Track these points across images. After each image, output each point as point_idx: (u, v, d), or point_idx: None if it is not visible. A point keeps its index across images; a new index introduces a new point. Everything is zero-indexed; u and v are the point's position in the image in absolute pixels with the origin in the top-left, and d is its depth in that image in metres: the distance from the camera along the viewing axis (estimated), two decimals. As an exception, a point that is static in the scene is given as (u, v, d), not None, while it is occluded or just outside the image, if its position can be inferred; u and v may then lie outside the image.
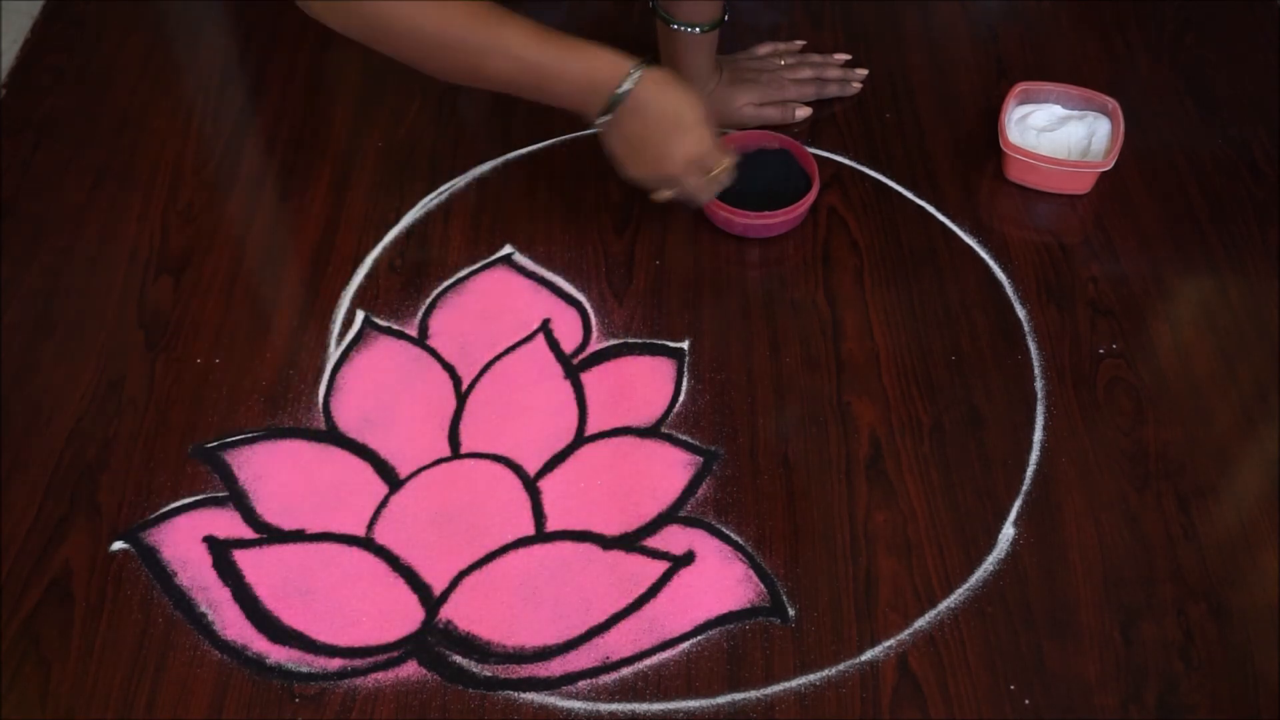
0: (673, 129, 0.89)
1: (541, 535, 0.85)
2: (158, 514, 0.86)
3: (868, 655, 0.80)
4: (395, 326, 0.97)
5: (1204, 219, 1.03)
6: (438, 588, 0.83)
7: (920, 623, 0.81)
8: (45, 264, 1.00)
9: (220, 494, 0.87)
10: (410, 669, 0.79)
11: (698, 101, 0.90)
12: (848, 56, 1.13)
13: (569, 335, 0.96)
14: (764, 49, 1.13)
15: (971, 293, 0.98)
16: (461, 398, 0.92)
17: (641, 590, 0.83)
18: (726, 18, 1.04)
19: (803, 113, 1.10)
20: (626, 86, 0.86)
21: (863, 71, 1.12)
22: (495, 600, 0.82)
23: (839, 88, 1.11)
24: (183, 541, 0.85)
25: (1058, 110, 1.08)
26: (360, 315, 0.97)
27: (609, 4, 1.21)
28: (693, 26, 1.02)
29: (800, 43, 1.14)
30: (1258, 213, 1.04)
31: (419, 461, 0.89)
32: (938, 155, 1.08)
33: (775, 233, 1.01)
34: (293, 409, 0.91)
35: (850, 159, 1.08)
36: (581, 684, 0.79)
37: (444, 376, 0.94)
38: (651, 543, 0.85)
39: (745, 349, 0.95)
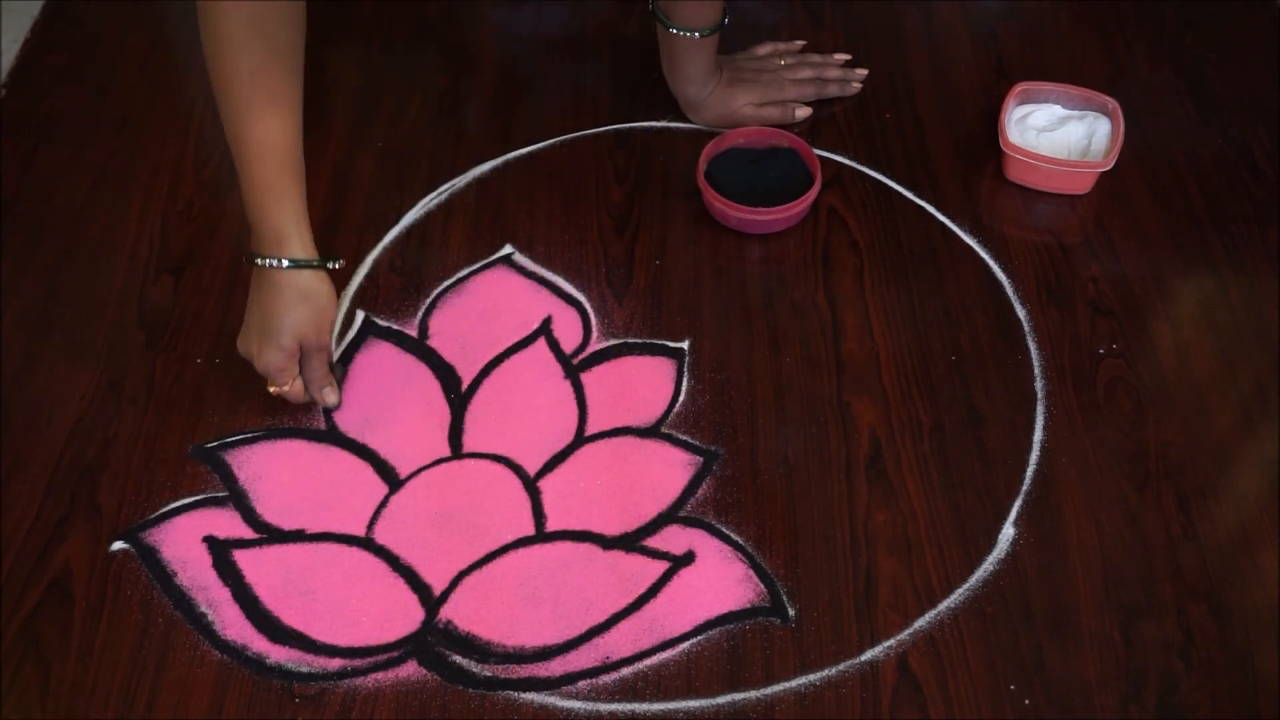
0: (264, 323, 0.86)
1: (541, 535, 0.85)
2: (158, 514, 0.86)
3: (868, 655, 0.80)
4: (395, 326, 0.97)
5: (1204, 219, 1.03)
6: (438, 588, 0.83)
7: (920, 623, 0.81)
8: (45, 264, 1.00)
9: (220, 494, 0.87)
10: (410, 669, 0.79)
11: (302, 330, 0.86)
12: (848, 57, 1.13)
13: (569, 335, 0.96)
14: (764, 49, 1.13)
15: (971, 293, 0.98)
16: (462, 398, 0.92)
17: (641, 590, 0.83)
18: (726, 20, 1.04)
19: (802, 113, 1.10)
20: (269, 263, 0.84)
21: (862, 71, 1.12)
22: (495, 600, 0.82)
23: (839, 88, 1.11)
24: (183, 541, 0.85)
25: (1058, 110, 1.08)
26: (360, 315, 0.97)
27: (609, 4, 1.21)
28: (692, 31, 1.02)
29: (800, 43, 1.14)
30: (1258, 213, 1.04)
31: (419, 461, 0.89)
32: (938, 155, 1.08)
33: (774, 229, 1.01)
34: (292, 409, 0.91)
35: (850, 159, 1.08)
36: (581, 684, 0.79)
37: (444, 377, 0.94)
38: (651, 543, 0.85)
39: (745, 349, 0.95)
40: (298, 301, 0.85)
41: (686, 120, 1.10)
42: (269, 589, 0.83)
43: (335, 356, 0.95)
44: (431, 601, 0.82)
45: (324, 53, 1.17)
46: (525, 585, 0.83)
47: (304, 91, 1.15)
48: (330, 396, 0.90)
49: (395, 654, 0.80)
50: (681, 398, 0.92)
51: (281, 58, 0.84)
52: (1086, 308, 0.97)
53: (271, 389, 0.88)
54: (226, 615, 0.81)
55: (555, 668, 0.79)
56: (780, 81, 1.10)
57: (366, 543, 0.85)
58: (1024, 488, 0.87)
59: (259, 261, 0.84)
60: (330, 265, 0.87)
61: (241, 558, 0.84)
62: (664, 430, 0.90)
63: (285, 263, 0.84)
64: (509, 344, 0.95)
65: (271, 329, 0.85)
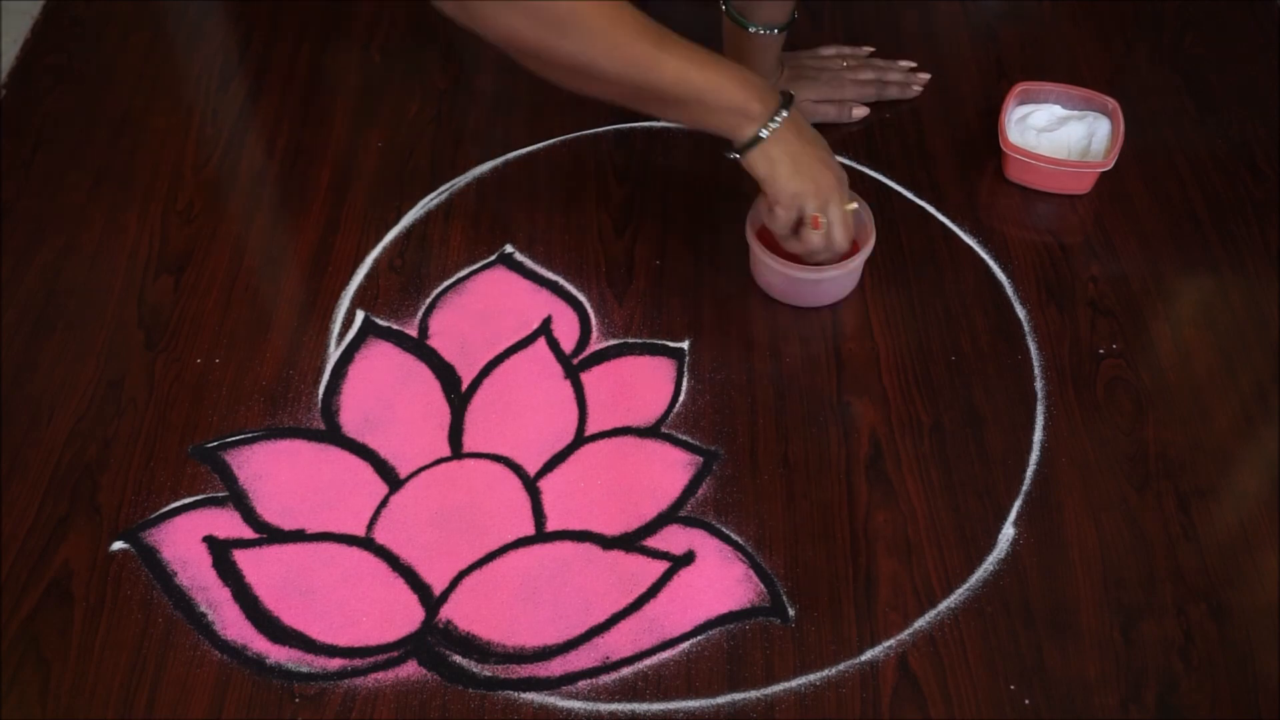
0: (824, 147, 0.91)
1: (541, 535, 0.85)
2: (158, 514, 0.86)
3: (868, 655, 0.80)
4: (395, 326, 0.97)
5: (1204, 219, 1.03)
6: (438, 588, 0.83)
7: (920, 623, 0.81)
8: (45, 264, 1.00)
9: (220, 494, 0.87)
10: (410, 669, 0.79)
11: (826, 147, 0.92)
12: (913, 64, 1.13)
13: (569, 335, 0.96)
14: (829, 50, 1.13)
15: (971, 293, 0.98)
16: (462, 398, 0.92)
17: (641, 590, 0.83)
18: (795, 16, 1.04)
19: (859, 112, 1.10)
20: (782, 115, 0.88)
21: (925, 76, 1.13)
22: (495, 600, 0.82)
23: (899, 90, 1.12)
24: (183, 541, 0.85)
25: (1058, 110, 1.08)
26: (360, 315, 0.97)
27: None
28: (769, 28, 1.03)
29: (868, 49, 1.14)
30: (1258, 213, 1.04)
31: (419, 461, 0.89)
32: (938, 155, 1.08)
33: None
34: (293, 409, 0.91)
35: (850, 159, 1.08)
36: (581, 684, 0.79)
37: (444, 377, 0.94)
38: (651, 543, 0.85)
39: (745, 349, 0.95)
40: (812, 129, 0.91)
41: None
42: (269, 589, 0.83)
43: (336, 357, 0.95)
44: (431, 601, 0.82)
45: (324, 53, 1.17)
46: (525, 585, 0.83)
47: (304, 91, 1.15)
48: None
49: (395, 654, 0.80)
50: (681, 398, 0.92)
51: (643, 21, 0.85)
52: (1086, 308, 0.97)
53: (851, 206, 0.92)
54: (226, 615, 0.81)
55: (555, 668, 0.79)
56: (841, 81, 1.10)
57: (366, 543, 0.85)
58: (1024, 488, 0.87)
59: (780, 117, 0.87)
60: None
61: (241, 558, 0.84)
62: (664, 430, 0.90)
63: (788, 101, 0.88)
64: (509, 344, 0.95)
65: (829, 153, 0.91)
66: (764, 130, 0.87)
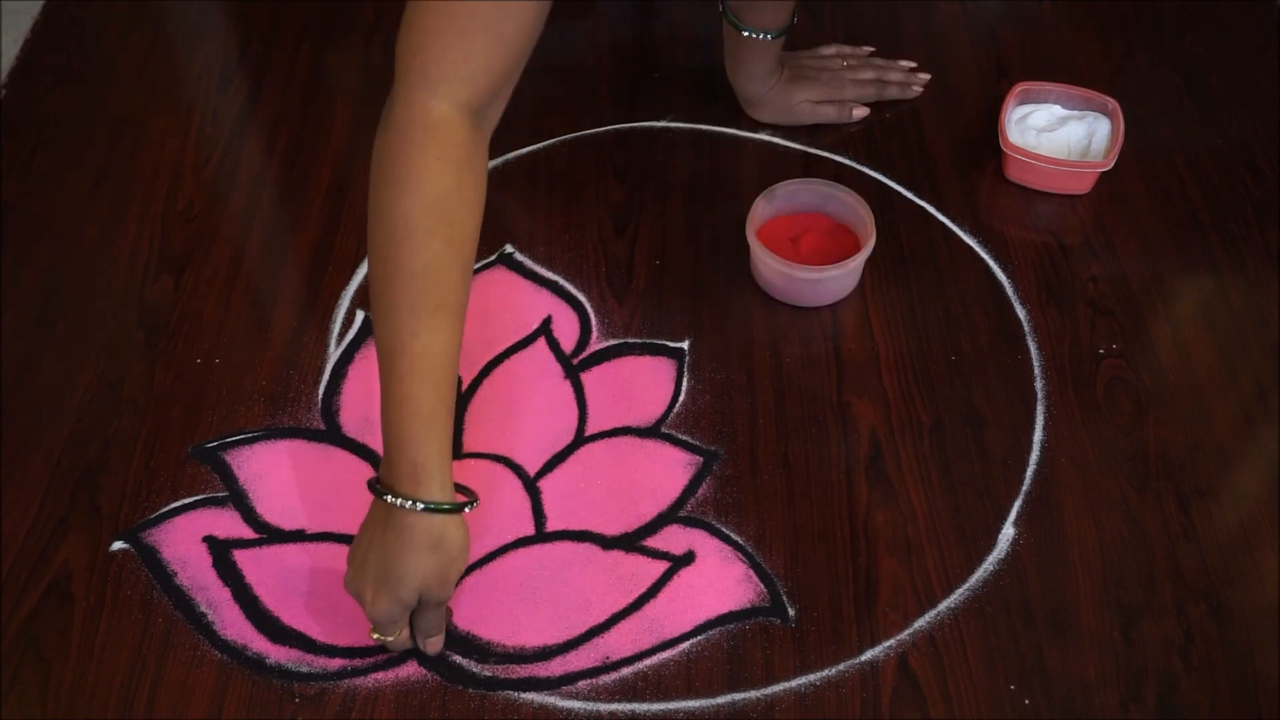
0: (384, 569, 0.73)
1: (541, 535, 0.85)
2: (158, 514, 0.86)
3: (868, 655, 0.80)
4: (395, 326, 0.96)
5: (1204, 219, 1.03)
6: (438, 588, 0.83)
7: (920, 623, 0.81)
8: (45, 264, 1.00)
9: (220, 494, 0.87)
10: (410, 669, 0.79)
11: (426, 581, 0.74)
12: (913, 64, 1.13)
13: (569, 335, 0.96)
14: (829, 49, 1.13)
15: (971, 293, 0.98)
16: (461, 398, 0.92)
17: (641, 590, 0.83)
18: (795, 21, 1.04)
19: (860, 112, 1.10)
20: (401, 503, 0.72)
21: (925, 76, 1.12)
22: (495, 600, 0.82)
23: (899, 90, 1.11)
24: (183, 541, 0.85)
25: (1058, 110, 1.08)
26: (360, 315, 0.97)
27: (610, 4, 1.21)
28: (764, 33, 1.02)
29: (868, 48, 1.14)
30: (1258, 213, 1.04)
31: (419, 461, 0.89)
32: (938, 155, 1.08)
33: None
34: (293, 409, 0.91)
35: (850, 159, 1.08)
36: (581, 684, 0.79)
37: (444, 376, 0.94)
38: (651, 543, 0.85)
39: (745, 349, 0.95)
40: (426, 549, 0.73)
41: (686, 120, 1.10)
42: (269, 589, 0.83)
43: (336, 357, 0.95)
44: (431, 601, 0.82)
45: (324, 53, 1.17)
46: (525, 585, 0.83)
47: (304, 91, 1.15)
48: (436, 646, 0.78)
49: (395, 654, 0.80)
50: (681, 398, 0.92)
51: (460, 250, 0.73)
52: (1086, 308, 0.97)
53: (374, 636, 0.77)
54: (226, 615, 0.81)
55: (555, 668, 0.79)
56: (841, 81, 1.10)
57: (366, 543, 0.85)
58: (1024, 488, 0.87)
59: (389, 499, 0.72)
60: (468, 508, 0.74)
61: (241, 558, 0.84)
62: (664, 430, 0.90)
63: (419, 505, 0.72)
64: (509, 344, 0.95)
65: (392, 576, 0.73)
66: (391, 497, 0.72)
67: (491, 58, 0.72)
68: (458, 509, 0.74)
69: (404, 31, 0.73)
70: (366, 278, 0.74)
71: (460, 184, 0.72)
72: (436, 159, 0.71)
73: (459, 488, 0.76)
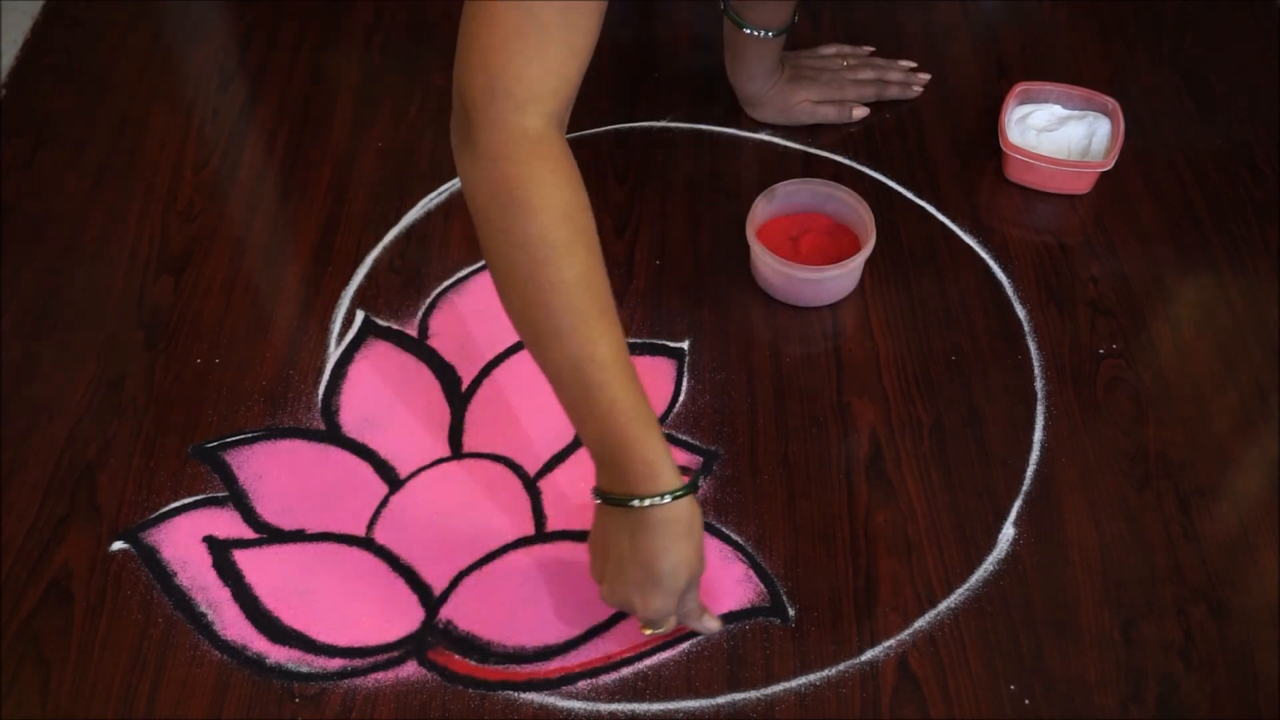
0: (650, 570, 0.73)
1: (541, 535, 0.85)
2: (158, 514, 0.86)
3: (868, 655, 0.80)
4: (395, 326, 0.96)
5: (1204, 219, 1.03)
6: (438, 588, 0.83)
7: (920, 623, 0.81)
8: (45, 263, 1.00)
9: (220, 494, 0.87)
10: (410, 669, 0.79)
11: (692, 566, 0.74)
12: (913, 64, 1.13)
13: (569, 335, 0.96)
14: (829, 49, 1.13)
15: (971, 293, 0.98)
16: (461, 398, 0.92)
17: (641, 590, 0.83)
18: (795, 20, 1.04)
19: (860, 112, 1.10)
20: (648, 503, 0.71)
21: (925, 76, 1.12)
22: (495, 600, 0.82)
23: (899, 90, 1.11)
24: (183, 541, 0.85)
25: (1058, 110, 1.08)
26: (360, 315, 0.97)
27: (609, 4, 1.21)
28: (764, 31, 1.02)
29: (868, 48, 1.14)
30: (1258, 213, 1.04)
31: (419, 461, 0.89)
32: (938, 155, 1.08)
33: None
34: (293, 409, 0.91)
35: (850, 159, 1.08)
36: (581, 684, 0.79)
37: (444, 377, 0.94)
38: (651, 543, 0.85)
39: (745, 349, 0.95)
40: (683, 537, 0.72)
41: (686, 120, 1.10)
42: (269, 589, 0.83)
43: (336, 357, 0.95)
44: (431, 601, 0.82)
45: (324, 53, 1.17)
46: (525, 585, 0.83)
47: (304, 91, 1.15)
48: (711, 623, 0.78)
49: (395, 654, 0.80)
50: (681, 398, 0.92)
51: (599, 255, 0.72)
52: (1086, 308, 0.97)
53: (646, 632, 0.77)
54: (226, 615, 0.81)
55: (555, 668, 0.79)
56: (841, 81, 1.10)
57: (366, 543, 0.85)
58: (1024, 488, 0.87)
59: (634, 504, 0.71)
60: (701, 479, 0.74)
61: (241, 558, 0.84)
62: (664, 430, 0.90)
63: (666, 498, 0.71)
64: (509, 344, 0.95)
65: (661, 574, 0.72)
66: (636, 502, 0.71)
67: (568, 68, 0.72)
68: (694, 488, 0.73)
69: (470, 55, 0.71)
70: (502, 302, 0.70)
71: (578, 191, 0.72)
72: (551, 173, 0.71)
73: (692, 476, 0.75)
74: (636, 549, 0.72)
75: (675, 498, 0.71)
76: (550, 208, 0.70)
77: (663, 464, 0.71)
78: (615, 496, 0.72)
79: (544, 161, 0.71)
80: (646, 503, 0.71)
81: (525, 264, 0.70)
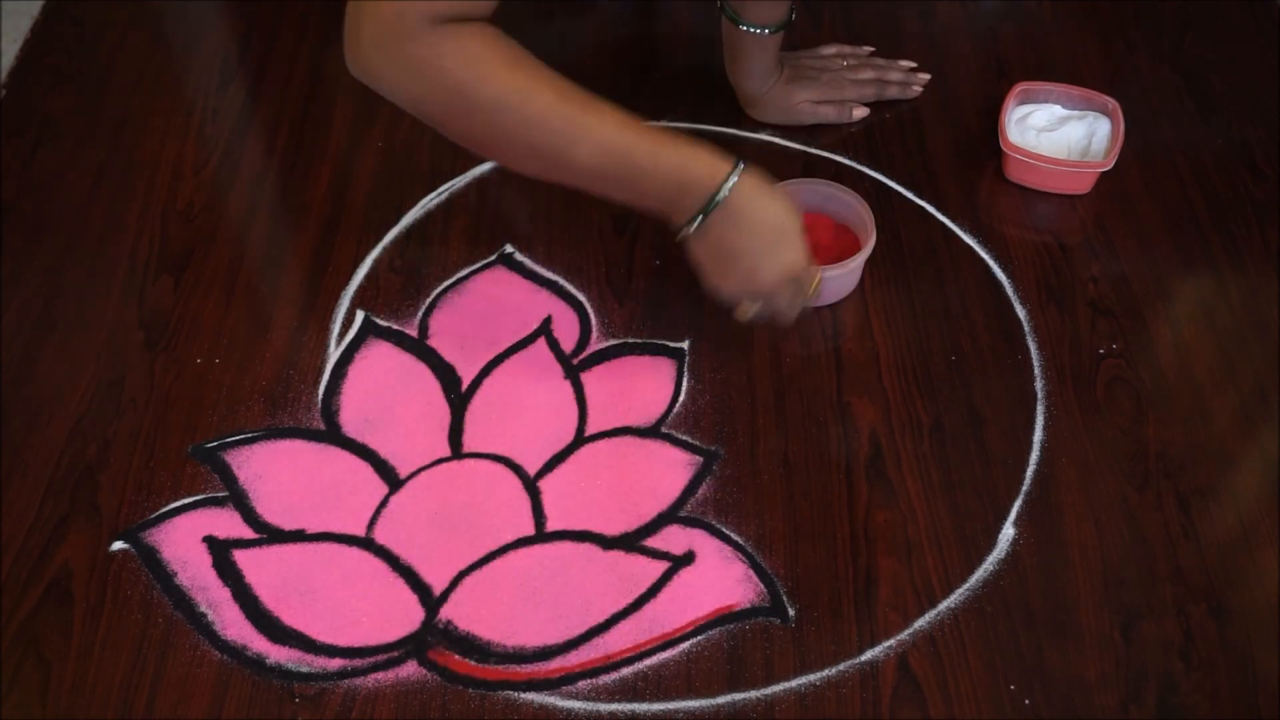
0: (771, 241, 0.80)
1: (541, 535, 0.85)
2: (158, 514, 0.86)
3: (868, 655, 0.80)
4: (395, 326, 0.97)
5: (1204, 219, 1.03)
6: (438, 588, 0.83)
7: (920, 623, 0.81)
8: (45, 264, 1.00)
9: (220, 494, 0.87)
10: (410, 669, 0.79)
11: (795, 211, 0.82)
12: (913, 64, 1.13)
13: (569, 335, 0.96)
14: (829, 49, 1.13)
15: (971, 293, 0.98)
16: (462, 398, 0.92)
17: (641, 590, 0.83)
18: (793, 17, 1.04)
19: (860, 112, 1.10)
20: (725, 190, 0.78)
21: (925, 76, 1.12)
22: (495, 600, 0.82)
23: (899, 90, 1.11)
24: (183, 541, 0.85)
25: (1058, 110, 1.08)
26: (360, 315, 0.97)
27: (608, 4, 1.21)
28: (761, 28, 1.02)
29: (868, 48, 1.14)
30: (1258, 213, 1.04)
31: (419, 461, 0.89)
32: (938, 155, 1.08)
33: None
34: (292, 409, 0.91)
35: (850, 159, 1.08)
36: (581, 684, 0.79)
37: (444, 377, 0.94)
38: (651, 543, 0.85)
39: (745, 349, 0.95)
40: (770, 195, 0.80)
41: (686, 120, 1.10)
42: (269, 589, 0.83)
43: (336, 357, 0.95)
44: (431, 601, 0.82)
45: (324, 53, 1.17)
46: (525, 585, 0.83)
47: (304, 91, 1.15)
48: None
49: (395, 654, 0.80)
50: (681, 398, 0.92)
51: (546, 66, 0.77)
52: (1086, 308, 0.97)
53: (812, 289, 0.85)
54: (226, 615, 0.81)
55: (555, 668, 0.79)
56: (840, 81, 1.10)
57: (366, 543, 0.85)
58: (1024, 488, 0.87)
59: (718, 198, 0.77)
60: (739, 159, 0.79)
61: (241, 558, 0.84)
62: (664, 430, 0.90)
63: (738, 173, 0.78)
64: (509, 344, 0.95)
65: (780, 225, 0.80)
66: (690, 223, 0.79)
67: None
68: (740, 159, 0.79)
69: None
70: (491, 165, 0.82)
71: (500, 39, 0.76)
72: (471, 39, 0.74)
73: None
74: (753, 225, 0.79)
75: (739, 169, 0.78)
76: (493, 66, 0.74)
77: (712, 158, 0.78)
78: (705, 207, 0.78)
79: (459, 38, 0.74)
80: (728, 186, 0.77)
81: (509, 117, 0.75)
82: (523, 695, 0.78)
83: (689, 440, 0.90)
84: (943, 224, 1.03)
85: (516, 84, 0.75)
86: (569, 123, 0.76)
